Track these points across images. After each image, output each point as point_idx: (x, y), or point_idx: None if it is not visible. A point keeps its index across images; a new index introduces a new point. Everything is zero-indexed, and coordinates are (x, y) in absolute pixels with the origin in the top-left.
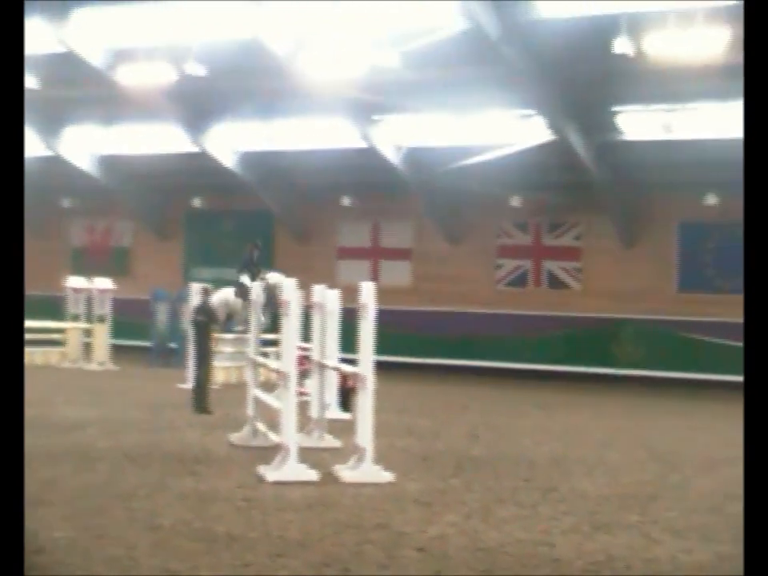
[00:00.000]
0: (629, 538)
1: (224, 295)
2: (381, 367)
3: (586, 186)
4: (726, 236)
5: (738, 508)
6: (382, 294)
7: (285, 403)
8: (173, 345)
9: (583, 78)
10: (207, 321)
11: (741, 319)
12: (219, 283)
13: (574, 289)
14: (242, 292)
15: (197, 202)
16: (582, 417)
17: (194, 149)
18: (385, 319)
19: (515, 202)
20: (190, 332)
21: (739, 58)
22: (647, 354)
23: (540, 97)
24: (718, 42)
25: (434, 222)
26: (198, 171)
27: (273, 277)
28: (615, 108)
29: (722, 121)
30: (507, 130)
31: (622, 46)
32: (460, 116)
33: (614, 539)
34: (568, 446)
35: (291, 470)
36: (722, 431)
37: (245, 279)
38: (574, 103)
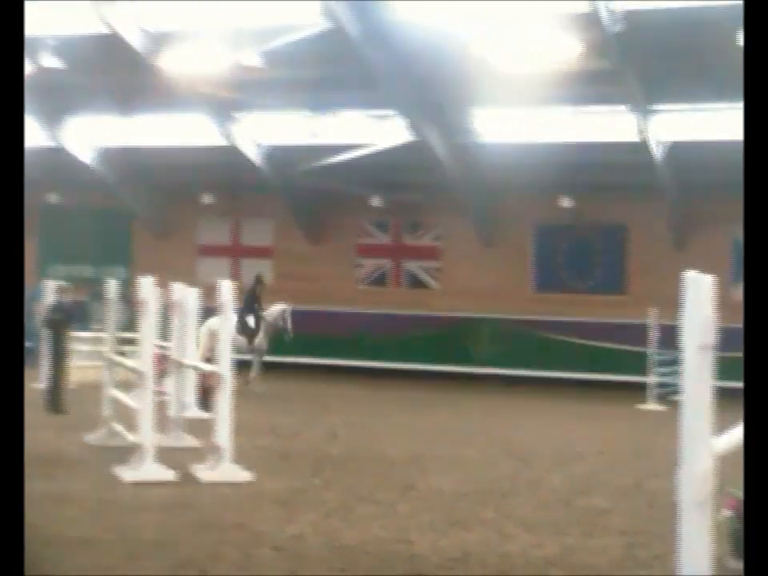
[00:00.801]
0: (483, 534)
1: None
2: (242, 366)
3: (446, 186)
4: (580, 237)
5: (586, 502)
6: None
7: (142, 402)
8: (27, 344)
9: (442, 80)
10: (62, 319)
11: (594, 318)
12: (74, 281)
13: (434, 288)
14: (247, 333)
15: (53, 198)
16: (440, 415)
17: (52, 143)
18: None
19: (375, 201)
20: (44, 331)
21: (593, 64)
22: (505, 352)
23: (400, 97)
24: (573, 49)
25: (295, 221)
26: (54, 166)
27: (276, 308)
28: (473, 110)
29: (577, 125)
30: (367, 130)
31: (479, 49)
32: (320, 115)
33: (470, 535)
34: (426, 443)
35: (148, 470)
36: (575, 428)
37: (250, 320)
38: (433, 104)
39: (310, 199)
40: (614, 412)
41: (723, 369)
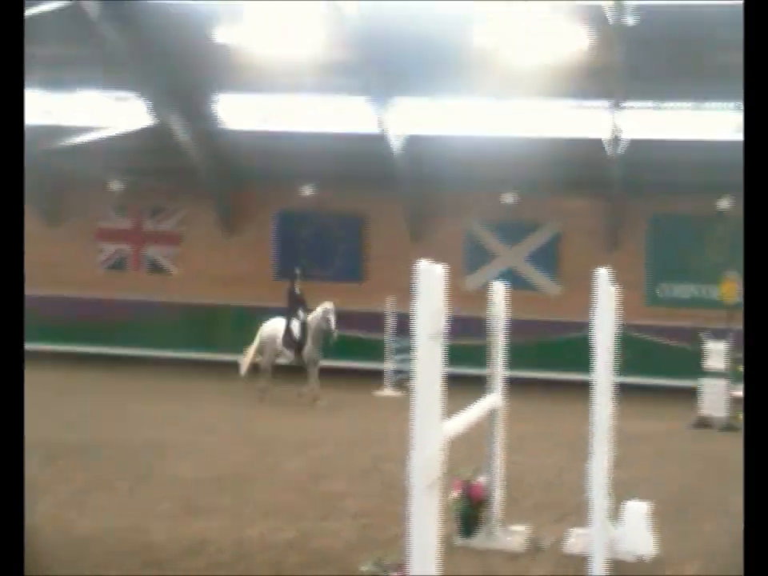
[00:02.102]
0: (221, 521)
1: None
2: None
3: (188, 172)
4: (321, 226)
5: (324, 486)
6: None
7: None
8: None
9: (185, 64)
10: None
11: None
12: None
13: (174, 274)
14: (292, 345)
15: None
16: (181, 403)
17: None
18: None
19: (115, 185)
20: None
21: (337, 55)
22: (246, 340)
23: (141, 80)
24: (316, 39)
25: (33, 203)
26: None
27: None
28: (216, 96)
29: (321, 114)
30: (107, 112)
31: (223, 35)
32: (58, 94)
33: (208, 522)
34: (165, 431)
35: None
36: (315, 415)
37: (294, 328)
38: (175, 89)
39: (49, 181)
40: (353, 399)
41: (454, 356)
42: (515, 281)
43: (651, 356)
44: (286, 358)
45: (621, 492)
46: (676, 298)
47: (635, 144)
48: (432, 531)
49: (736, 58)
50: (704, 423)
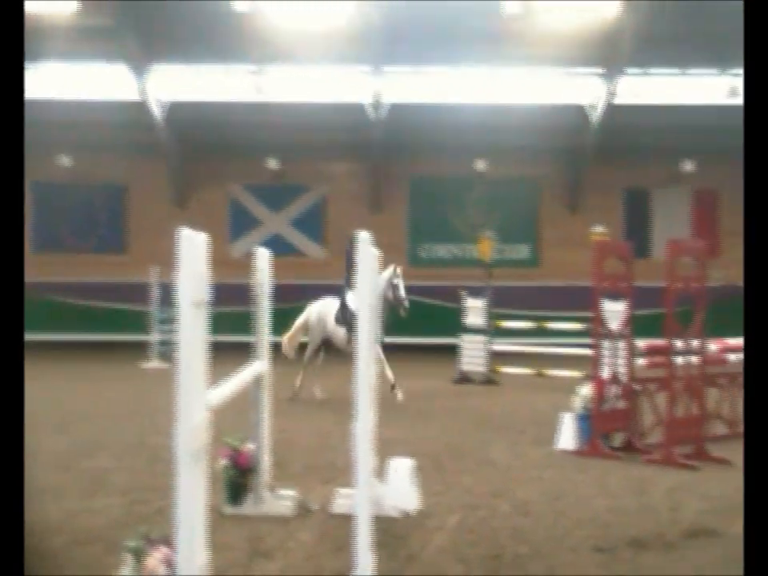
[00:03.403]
0: None
1: (323, 312)
2: None
3: None
4: (80, 197)
5: (89, 464)
6: None
7: None
8: None
9: None
10: None
11: (97, 279)
12: None
13: None
14: (345, 321)
15: None
16: None
17: None
18: None
19: None
20: None
21: (91, 21)
22: None
23: None
24: (72, 5)
25: None
26: None
27: (384, 275)
28: None
29: (78, 81)
30: None
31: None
32: None
33: None
34: None
35: None
36: (80, 391)
37: (351, 299)
38: None
39: None
40: (118, 373)
41: (221, 324)
42: (281, 246)
43: (415, 316)
44: (338, 341)
45: (387, 450)
46: (437, 258)
47: (396, 108)
48: (199, 502)
49: (486, 23)
50: (465, 378)
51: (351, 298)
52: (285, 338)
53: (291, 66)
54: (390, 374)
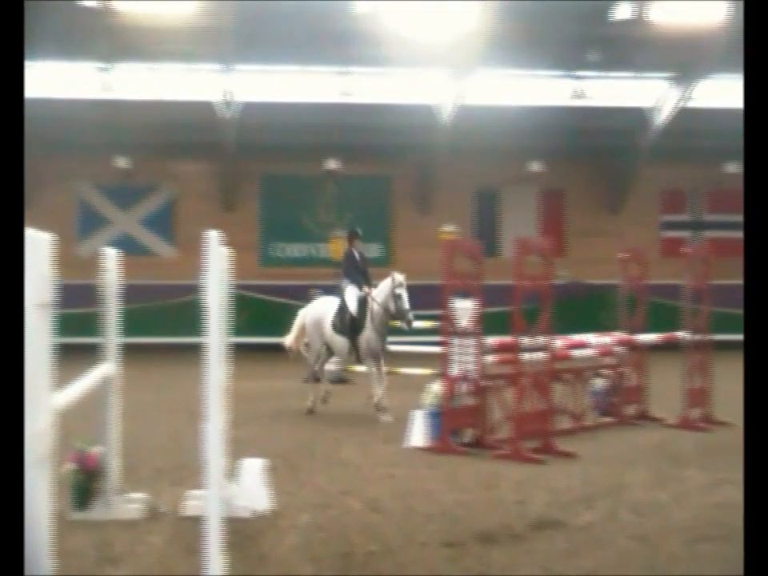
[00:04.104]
0: None
1: (319, 316)
2: None
3: None
4: None
5: None
6: None
7: None
8: None
9: None
10: None
11: None
12: None
13: None
14: (344, 329)
15: None
16: None
17: None
18: None
19: None
20: None
21: None
22: None
23: None
24: None
25: None
26: None
27: (386, 283)
28: None
29: None
30: None
31: None
32: None
33: None
34: None
35: None
36: None
37: (351, 305)
38: None
39: None
40: None
41: (68, 325)
42: (130, 245)
43: (267, 316)
44: (337, 350)
45: (238, 451)
46: (289, 258)
47: (247, 107)
48: (44, 508)
49: (337, 23)
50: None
51: (350, 299)
52: (287, 341)
53: (140, 63)
54: (379, 390)
